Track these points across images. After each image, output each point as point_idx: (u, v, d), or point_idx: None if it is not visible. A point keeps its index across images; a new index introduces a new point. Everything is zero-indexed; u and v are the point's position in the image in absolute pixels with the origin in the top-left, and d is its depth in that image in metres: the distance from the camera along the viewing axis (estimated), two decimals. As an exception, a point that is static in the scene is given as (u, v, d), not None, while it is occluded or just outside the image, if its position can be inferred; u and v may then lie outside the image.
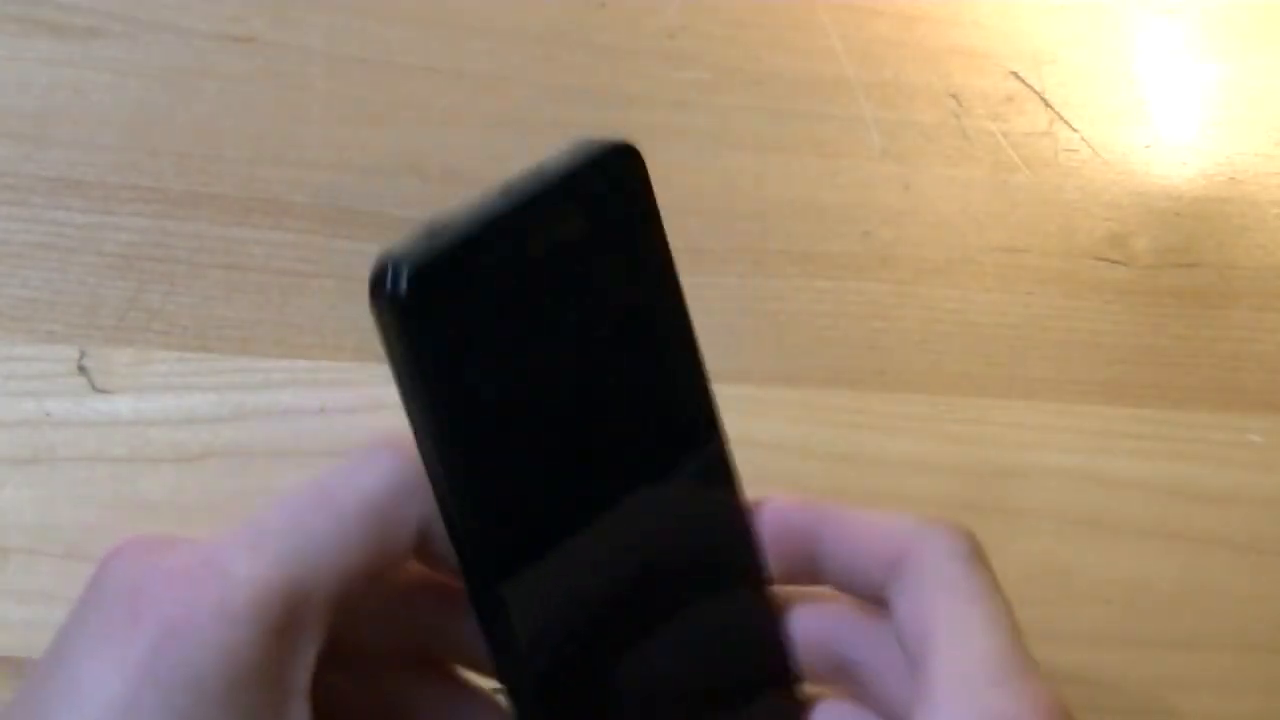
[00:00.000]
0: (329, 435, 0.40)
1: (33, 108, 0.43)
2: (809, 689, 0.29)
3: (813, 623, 0.28)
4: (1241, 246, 0.46)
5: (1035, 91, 0.47)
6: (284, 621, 0.23)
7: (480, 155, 0.44)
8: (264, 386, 0.39)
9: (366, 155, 0.44)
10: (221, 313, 0.41)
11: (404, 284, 0.22)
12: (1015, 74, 0.47)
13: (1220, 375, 0.44)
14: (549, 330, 0.25)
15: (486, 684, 0.28)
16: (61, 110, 0.43)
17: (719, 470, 0.28)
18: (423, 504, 0.24)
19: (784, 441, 0.41)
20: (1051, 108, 0.47)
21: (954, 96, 0.47)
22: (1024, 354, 0.44)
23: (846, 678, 0.28)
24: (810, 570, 0.28)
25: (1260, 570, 0.42)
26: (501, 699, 0.27)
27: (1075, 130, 0.47)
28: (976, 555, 0.27)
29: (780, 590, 0.28)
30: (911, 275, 0.45)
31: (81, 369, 0.40)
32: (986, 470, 0.42)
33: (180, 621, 0.22)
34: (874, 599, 0.27)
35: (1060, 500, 0.42)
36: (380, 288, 0.22)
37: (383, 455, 0.25)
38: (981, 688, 0.24)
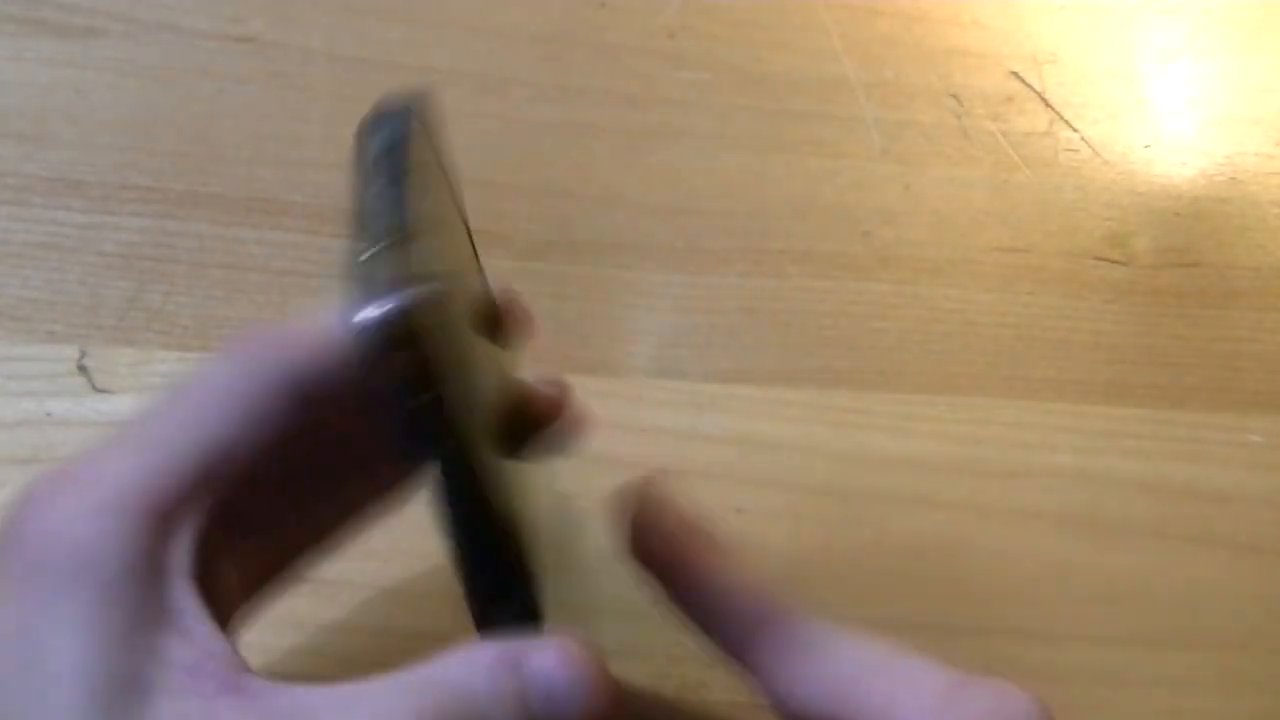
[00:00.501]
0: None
1: (33, 108, 0.43)
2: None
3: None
4: (1241, 246, 0.46)
5: (1035, 91, 0.47)
6: (149, 509, 0.23)
7: (480, 155, 0.44)
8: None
9: (366, 155, 0.44)
10: (221, 313, 0.41)
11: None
12: (1015, 74, 0.47)
13: (1220, 375, 0.44)
14: None
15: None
16: (61, 110, 0.43)
17: None
18: (286, 382, 0.25)
19: (784, 441, 0.41)
20: (1051, 108, 0.47)
21: (954, 96, 0.47)
22: (1024, 354, 0.44)
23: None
24: (676, 583, 0.27)
25: (1260, 570, 0.42)
26: None
27: (1075, 130, 0.47)
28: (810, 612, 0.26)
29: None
30: (911, 275, 0.45)
31: (82, 369, 0.40)
32: (986, 470, 0.42)
33: (50, 529, 0.23)
34: (728, 649, 0.27)
35: (1060, 500, 0.42)
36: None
37: (231, 351, 0.25)
38: (954, 700, 0.24)
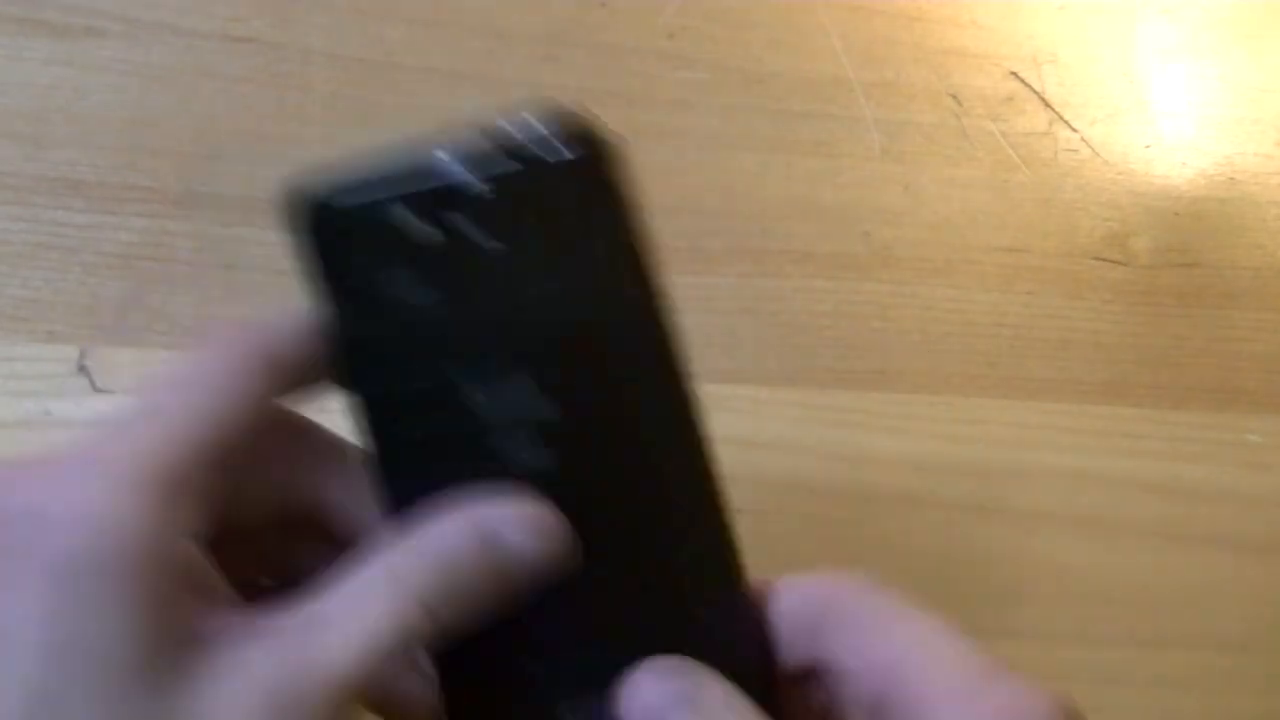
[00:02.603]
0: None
1: (33, 108, 0.43)
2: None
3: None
4: (1241, 246, 0.46)
5: (1035, 91, 0.47)
6: (163, 477, 0.24)
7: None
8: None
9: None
10: (221, 313, 0.41)
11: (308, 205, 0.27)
12: (1015, 74, 0.47)
13: (1220, 375, 0.44)
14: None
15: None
16: (61, 110, 0.43)
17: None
18: (263, 361, 0.27)
19: (784, 441, 0.41)
20: (1051, 108, 0.47)
21: (954, 96, 0.47)
22: (1024, 354, 0.44)
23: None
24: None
25: (1260, 570, 0.42)
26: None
27: (1075, 130, 0.47)
28: (881, 584, 0.27)
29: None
30: (911, 275, 0.45)
31: (82, 369, 0.40)
32: (986, 470, 0.42)
33: (54, 509, 0.24)
34: (805, 666, 0.27)
35: (1060, 500, 0.42)
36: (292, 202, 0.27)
37: (211, 344, 0.27)
38: (981, 688, 0.24)
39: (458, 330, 0.26)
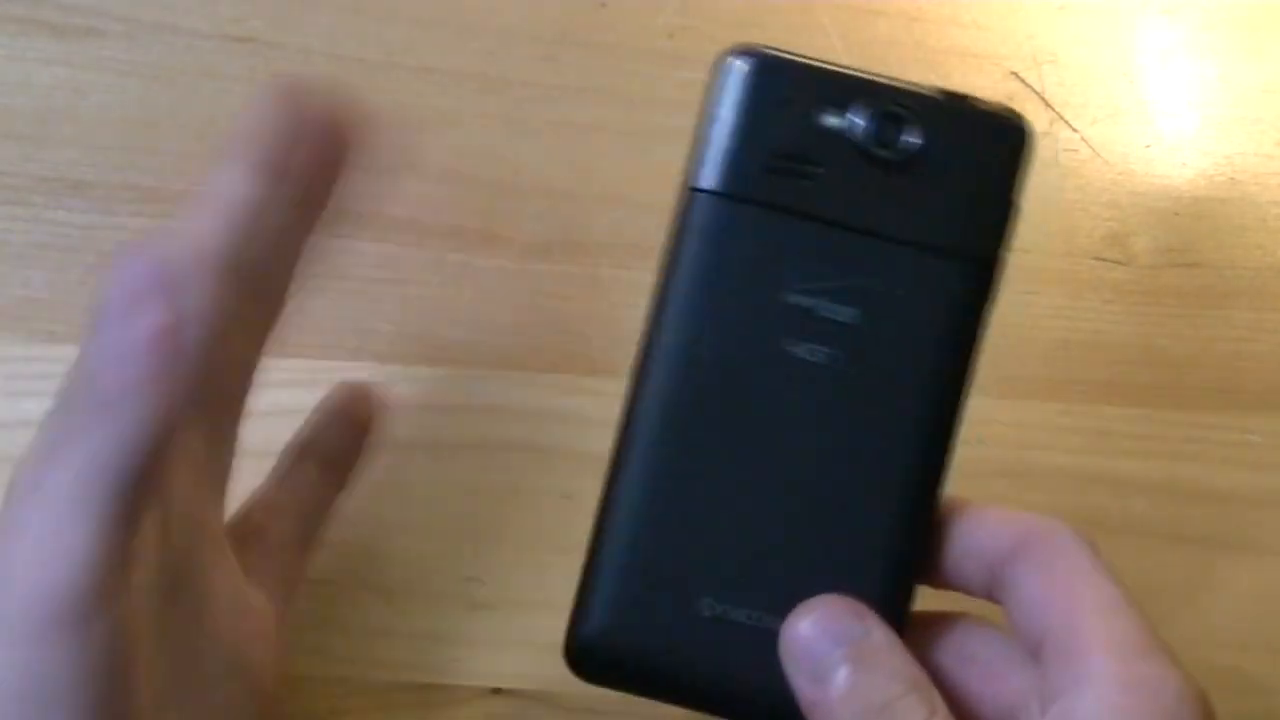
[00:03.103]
0: (329, 435, 0.40)
1: (33, 108, 0.43)
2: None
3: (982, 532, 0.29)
4: (1241, 246, 0.46)
5: (1035, 91, 0.47)
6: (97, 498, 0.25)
7: (480, 155, 0.44)
8: (264, 386, 0.39)
9: (366, 155, 0.43)
10: (221, 313, 0.41)
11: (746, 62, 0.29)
12: (1015, 74, 0.47)
13: (1220, 375, 0.44)
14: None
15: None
16: (61, 110, 0.43)
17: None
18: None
19: (784, 441, 0.41)
20: (1051, 108, 0.47)
21: (954, 96, 0.47)
22: (1024, 354, 0.44)
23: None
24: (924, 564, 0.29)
25: (1260, 570, 0.42)
26: None
27: (1075, 130, 0.47)
28: (1097, 549, 0.29)
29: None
30: (911, 275, 0.45)
31: (81, 369, 0.40)
32: (986, 470, 0.42)
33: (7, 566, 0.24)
34: (983, 591, 0.29)
35: (1060, 500, 0.42)
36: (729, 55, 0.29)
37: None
38: (1133, 657, 0.26)
39: (815, 207, 0.28)
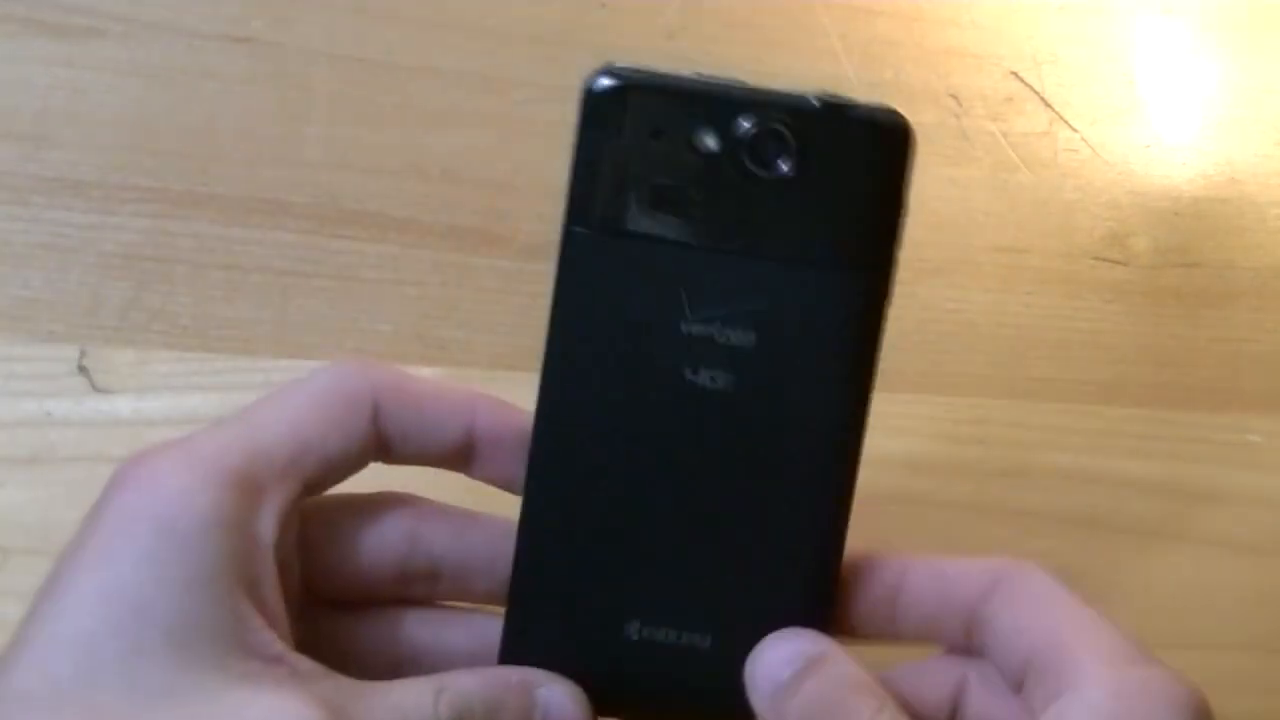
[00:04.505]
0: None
1: (33, 108, 0.43)
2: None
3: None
4: (1241, 246, 0.46)
5: (1035, 91, 0.47)
6: (241, 476, 0.26)
7: (480, 155, 0.44)
8: (264, 386, 0.39)
9: (366, 155, 0.44)
10: (221, 313, 0.41)
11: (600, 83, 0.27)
12: (1015, 74, 0.47)
13: (1220, 375, 0.44)
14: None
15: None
16: (61, 110, 0.43)
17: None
18: (370, 404, 0.28)
19: (784, 441, 0.41)
20: (1051, 108, 0.47)
21: (954, 96, 0.47)
22: (1024, 354, 0.44)
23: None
24: (889, 619, 0.29)
25: (1260, 570, 0.42)
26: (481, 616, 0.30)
27: (1075, 130, 0.47)
28: (1063, 580, 0.29)
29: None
30: (911, 275, 0.44)
31: (82, 369, 0.40)
32: (986, 470, 0.42)
33: (146, 481, 0.26)
34: (959, 636, 0.29)
35: (1060, 500, 0.42)
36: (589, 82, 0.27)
37: (330, 367, 0.29)
38: (1123, 663, 0.26)
39: (698, 234, 0.27)
